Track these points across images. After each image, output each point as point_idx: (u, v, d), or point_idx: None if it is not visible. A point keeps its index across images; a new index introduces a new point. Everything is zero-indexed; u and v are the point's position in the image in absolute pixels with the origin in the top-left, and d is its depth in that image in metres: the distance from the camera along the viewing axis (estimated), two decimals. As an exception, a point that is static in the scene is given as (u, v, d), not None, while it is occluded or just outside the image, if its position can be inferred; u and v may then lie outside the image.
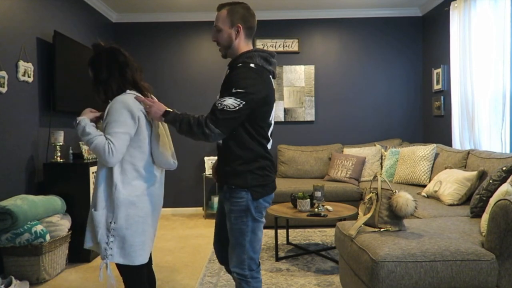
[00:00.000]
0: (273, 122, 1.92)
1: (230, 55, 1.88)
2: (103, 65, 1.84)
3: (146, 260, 1.86)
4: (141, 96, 1.87)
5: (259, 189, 1.84)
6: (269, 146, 1.90)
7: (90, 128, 1.77)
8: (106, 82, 1.84)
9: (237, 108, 1.70)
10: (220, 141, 1.87)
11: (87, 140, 1.75)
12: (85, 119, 1.81)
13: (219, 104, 1.72)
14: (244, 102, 1.70)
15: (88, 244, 1.83)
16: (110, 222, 1.77)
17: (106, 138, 1.72)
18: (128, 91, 1.83)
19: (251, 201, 1.82)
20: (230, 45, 1.85)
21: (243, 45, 1.86)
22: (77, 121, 1.80)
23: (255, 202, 1.84)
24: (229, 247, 1.92)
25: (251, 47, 1.88)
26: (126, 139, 1.74)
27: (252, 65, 1.79)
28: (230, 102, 1.70)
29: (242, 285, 1.87)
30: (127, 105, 1.76)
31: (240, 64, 1.80)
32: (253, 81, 1.74)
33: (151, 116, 1.84)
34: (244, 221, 1.83)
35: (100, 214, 1.77)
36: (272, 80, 1.90)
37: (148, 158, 1.87)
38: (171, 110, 1.82)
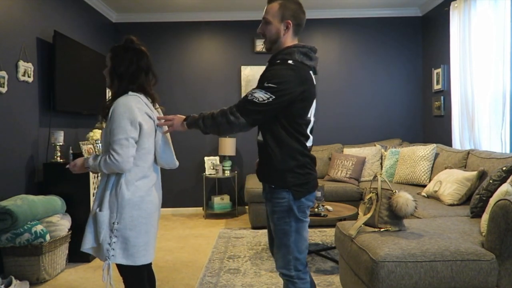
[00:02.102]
0: (312, 119, 1.84)
1: (275, 50, 1.84)
2: (126, 60, 1.85)
3: (149, 261, 1.86)
4: (149, 102, 1.89)
5: (300, 188, 1.78)
6: (308, 143, 1.84)
7: (90, 161, 1.82)
8: (121, 77, 1.85)
9: (266, 101, 1.68)
10: (261, 138, 1.84)
11: (98, 169, 1.79)
12: (85, 161, 1.86)
13: (249, 95, 1.72)
14: (274, 97, 1.68)
15: (86, 246, 1.80)
16: (113, 223, 1.77)
17: (108, 151, 1.75)
18: (130, 92, 1.83)
19: (293, 201, 1.78)
20: (277, 40, 1.81)
21: (289, 41, 1.82)
22: (88, 167, 1.85)
23: (297, 201, 1.79)
24: (274, 248, 1.89)
25: (295, 43, 1.83)
26: (130, 143, 1.75)
27: (290, 61, 1.75)
28: (260, 95, 1.69)
29: (289, 286, 1.84)
30: (129, 108, 1.76)
31: (279, 61, 1.78)
32: (287, 77, 1.71)
33: (174, 129, 1.87)
34: (287, 221, 1.79)
35: (104, 215, 1.77)
36: (313, 76, 1.84)
37: (152, 157, 1.88)
38: (191, 115, 1.84)
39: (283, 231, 1.81)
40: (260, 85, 1.72)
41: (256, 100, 1.69)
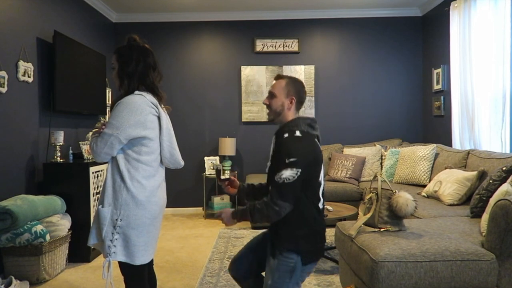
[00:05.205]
0: (323, 182, 1.96)
1: (278, 122, 1.98)
2: (133, 59, 1.86)
3: (147, 261, 1.86)
4: (155, 101, 1.88)
5: (309, 254, 1.87)
6: (320, 205, 1.93)
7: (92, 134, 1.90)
8: (131, 76, 1.86)
9: (296, 177, 1.77)
10: None
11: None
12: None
13: (279, 179, 1.78)
14: (300, 170, 1.78)
15: (92, 241, 1.83)
16: (116, 219, 1.77)
17: (96, 138, 1.81)
18: (137, 92, 1.83)
19: (300, 264, 1.84)
20: (281, 113, 1.95)
21: (291, 115, 1.96)
22: None
23: (303, 266, 1.86)
24: None
25: (299, 116, 1.98)
26: (112, 142, 1.76)
27: (298, 132, 1.87)
28: (288, 173, 1.77)
29: None
30: (133, 107, 1.77)
31: (287, 134, 1.87)
32: (301, 146, 1.83)
33: (226, 223, 1.94)
34: (286, 282, 1.84)
35: (106, 211, 1.78)
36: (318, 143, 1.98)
37: (157, 157, 1.88)
38: (237, 210, 1.91)
39: None
40: (283, 164, 1.78)
41: (288, 181, 1.77)
